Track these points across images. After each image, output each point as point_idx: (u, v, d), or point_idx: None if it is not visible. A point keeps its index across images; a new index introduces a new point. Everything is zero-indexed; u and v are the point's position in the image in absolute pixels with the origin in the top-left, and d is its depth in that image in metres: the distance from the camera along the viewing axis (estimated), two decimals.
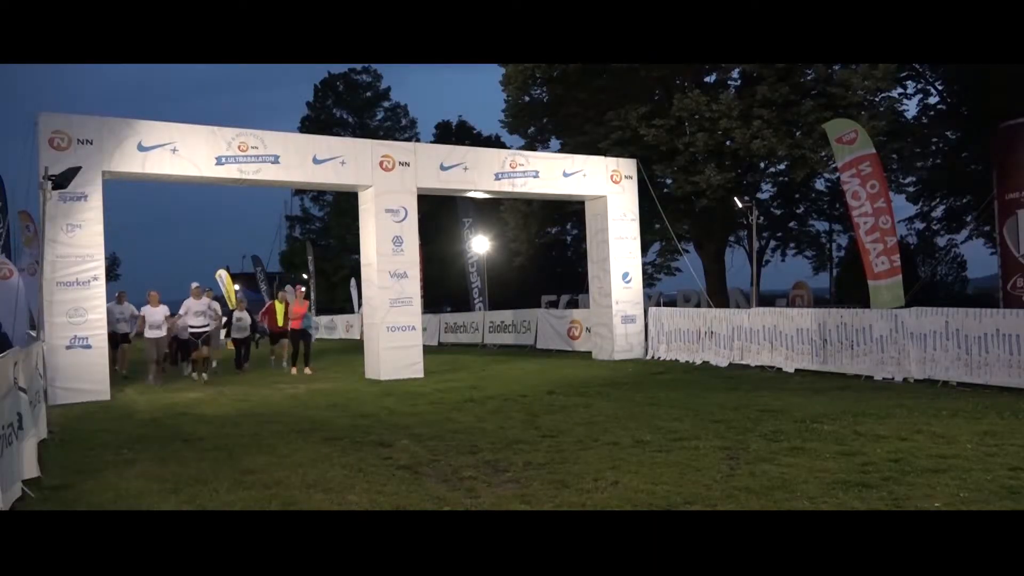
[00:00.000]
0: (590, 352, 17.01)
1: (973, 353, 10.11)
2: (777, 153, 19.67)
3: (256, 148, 12.87)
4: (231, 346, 17.21)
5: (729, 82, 21.48)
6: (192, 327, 13.79)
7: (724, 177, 19.71)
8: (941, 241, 26.35)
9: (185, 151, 12.37)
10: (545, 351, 19.56)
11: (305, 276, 35.47)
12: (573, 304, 23.94)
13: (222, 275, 30.81)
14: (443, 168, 14.55)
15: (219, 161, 12.59)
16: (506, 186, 15.23)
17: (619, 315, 16.09)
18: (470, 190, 15.60)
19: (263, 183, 13.66)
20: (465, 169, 14.74)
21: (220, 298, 23.05)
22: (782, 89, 19.01)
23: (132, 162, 12.07)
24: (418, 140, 42.61)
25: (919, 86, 22.79)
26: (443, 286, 34.19)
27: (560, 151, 22.18)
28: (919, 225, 26.19)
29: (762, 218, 23.85)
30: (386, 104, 47.79)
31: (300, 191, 44.15)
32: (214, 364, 14.73)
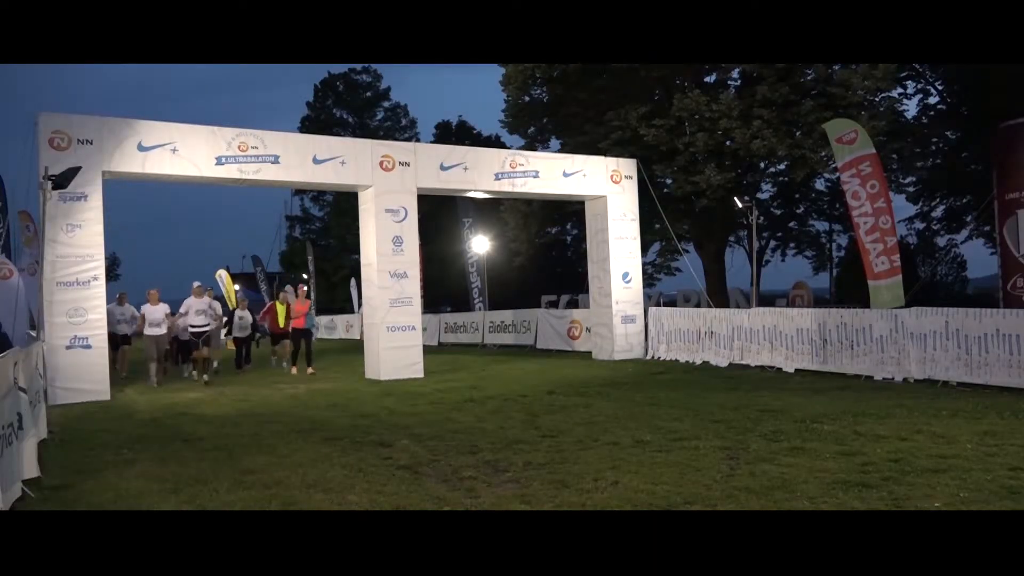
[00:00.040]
0: (590, 352, 17.01)
1: (973, 353, 10.11)
2: (777, 153, 19.67)
3: (256, 148, 12.87)
4: (231, 345, 17.20)
5: (729, 82, 21.48)
6: (193, 326, 13.77)
7: (724, 177, 19.71)
8: (941, 241, 26.38)
9: (185, 151, 12.37)
10: (545, 351, 19.56)
11: (305, 276, 35.47)
12: (573, 304, 23.94)
13: (222, 275, 30.81)
14: (443, 168, 14.55)
15: (219, 161, 12.59)
16: (506, 186, 15.23)
17: (619, 315, 16.09)
18: (470, 190, 15.60)
19: (263, 183, 13.66)
20: (465, 169, 14.74)
21: (220, 298, 23.04)
22: (782, 89, 19.01)
23: (132, 162, 12.07)
24: (418, 140, 42.62)
25: (919, 86, 22.81)
26: (443, 286, 34.19)
27: (560, 151, 22.18)
28: (919, 225, 26.23)
29: (762, 218, 23.85)
30: (386, 104, 47.82)
31: (300, 191, 44.16)
32: (215, 364, 14.72)
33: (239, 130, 12.86)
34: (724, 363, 13.97)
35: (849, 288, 25.40)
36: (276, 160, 13.04)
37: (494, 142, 38.14)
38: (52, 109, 17.77)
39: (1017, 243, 14.19)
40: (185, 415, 9.82)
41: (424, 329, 16.19)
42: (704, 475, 5.70)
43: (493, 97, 26.68)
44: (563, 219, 31.64)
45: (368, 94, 47.40)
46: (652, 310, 16.48)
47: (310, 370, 14.90)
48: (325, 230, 46.28)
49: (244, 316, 16.01)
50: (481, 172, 14.89)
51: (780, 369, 12.84)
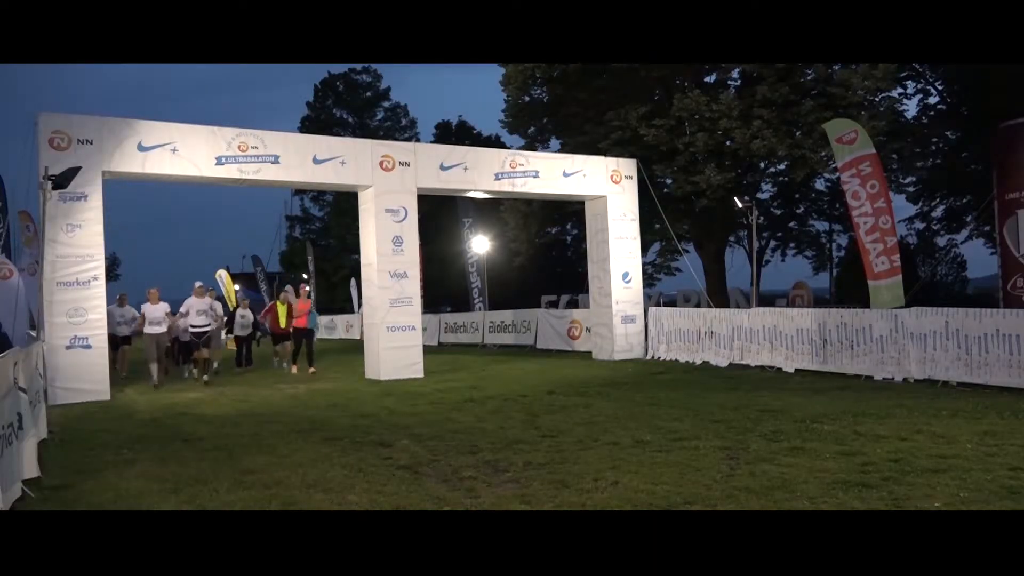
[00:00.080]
0: (590, 352, 17.01)
1: (973, 353, 10.11)
2: (777, 153, 19.67)
3: (256, 148, 12.87)
4: (231, 345, 17.18)
5: (729, 82, 21.49)
6: (193, 326, 13.75)
7: (724, 177, 19.71)
8: (941, 241, 26.38)
9: (185, 151, 12.37)
10: (545, 351, 19.56)
11: (305, 276, 35.47)
12: (573, 304, 23.94)
13: (222, 275, 30.81)
14: (443, 168, 14.55)
15: (219, 161, 12.59)
16: (506, 186, 15.23)
17: (619, 315, 16.09)
18: (470, 190, 15.60)
19: (263, 183, 13.65)
20: (465, 169, 14.74)
21: (220, 298, 23.04)
22: (782, 89, 19.01)
23: (132, 162, 12.07)
24: (418, 140, 42.62)
25: (919, 86, 22.81)
26: (443, 286, 34.19)
27: (560, 151, 22.18)
28: (919, 225, 26.23)
29: (762, 218, 23.86)
30: (386, 104, 47.81)
31: (300, 191, 44.16)
32: (215, 365, 14.72)
33: (239, 130, 12.86)
34: (724, 363, 13.97)
35: (849, 288, 25.40)
36: (276, 160, 13.04)
37: (494, 142, 38.15)
38: (52, 109, 17.77)
39: (1017, 243, 14.19)
40: (185, 415, 9.82)
41: (424, 329, 16.19)
42: (704, 475, 5.70)
43: (493, 97, 26.70)
44: (563, 219, 31.64)
45: (368, 94, 47.40)
46: (652, 310, 16.48)
47: (311, 370, 14.89)
48: (325, 230, 46.28)
49: (246, 315, 15.99)
50: (481, 172, 14.89)
51: (780, 369, 12.84)
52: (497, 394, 10.95)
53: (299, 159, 13.24)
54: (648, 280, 26.66)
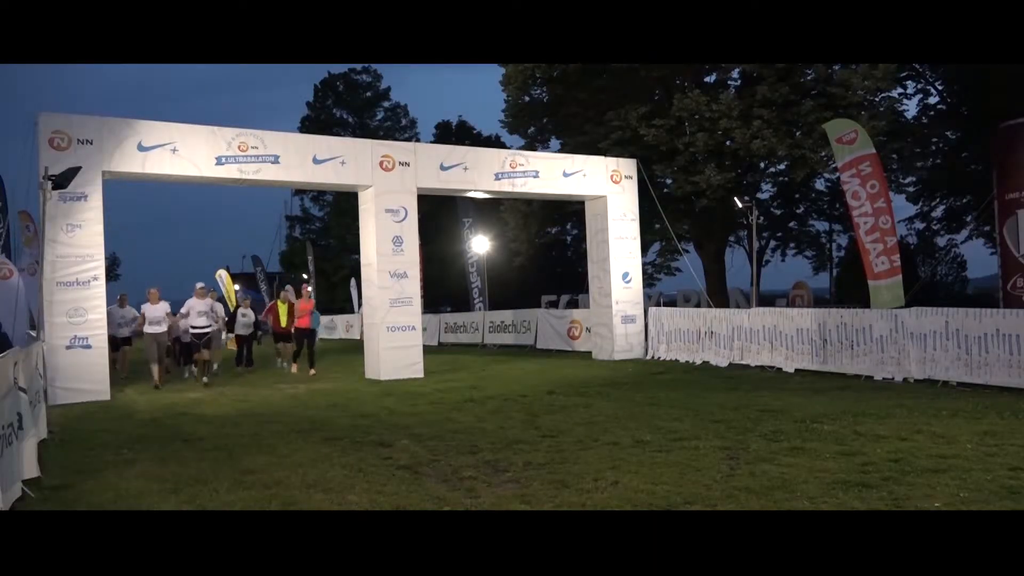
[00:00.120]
0: (590, 352, 17.01)
1: (973, 353, 10.11)
2: (777, 153, 19.67)
3: (256, 148, 12.88)
4: (231, 345, 17.16)
5: (729, 82, 21.48)
6: (194, 327, 13.73)
7: (724, 177, 19.71)
8: (941, 241, 26.38)
9: (185, 151, 12.37)
10: (545, 351, 19.56)
11: (305, 276, 35.47)
12: (573, 304, 23.94)
13: (222, 275, 30.78)
14: (443, 168, 14.55)
15: (219, 161, 12.59)
16: (506, 186, 15.23)
17: (619, 315, 16.09)
18: (470, 190, 15.60)
19: (263, 183, 13.66)
20: (465, 169, 14.74)
21: (221, 299, 23.03)
22: (782, 89, 19.01)
23: (132, 162, 12.07)
24: (418, 140, 42.62)
25: (919, 86, 22.81)
26: (443, 286, 34.19)
27: (560, 151, 22.18)
28: (919, 225, 26.23)
29: (762, 218, 23.85)
30: (386, 104, 47.80)
31: (300, 191, 44.16)
32: (215, 367, 14.71)
33: (239, 130, 12.86)
34: (724, 363, 13.97)
35: (849, 288, 25.40)
36: (276, 160, 13.04)
37: (494, 142, 38.14)
38: (52, 109, 17.77)
39: (1017, 243, 14.19)
40: (185, 415, 9.82)
41: (424, 329, 16.19)
42: (704, 475, 5.70)
43: (493, 97, 26.70)
44: (563, 219, 31.64)
45: (368, 94, 47.40)
46: (652, 310, 16.49)
47: (311, 372, 14.87)
48: (325, 230, 46.28)
49: (247, 314, 15.96)
50: (481, 172, 14.89)
51: (780, 369, 12.84)
52: (497, 394, 10.95)
53: (299, 159, 13.24)
54: (648, 280, 26.68)
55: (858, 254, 14.69)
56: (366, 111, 47.18)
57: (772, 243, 28.65)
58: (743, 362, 13.65)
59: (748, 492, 5.17)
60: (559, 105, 22.80)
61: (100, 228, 11.88)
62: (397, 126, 46.98)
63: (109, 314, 12.53)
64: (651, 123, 19.96)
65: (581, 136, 21.72)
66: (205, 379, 13.55)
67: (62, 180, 9.89)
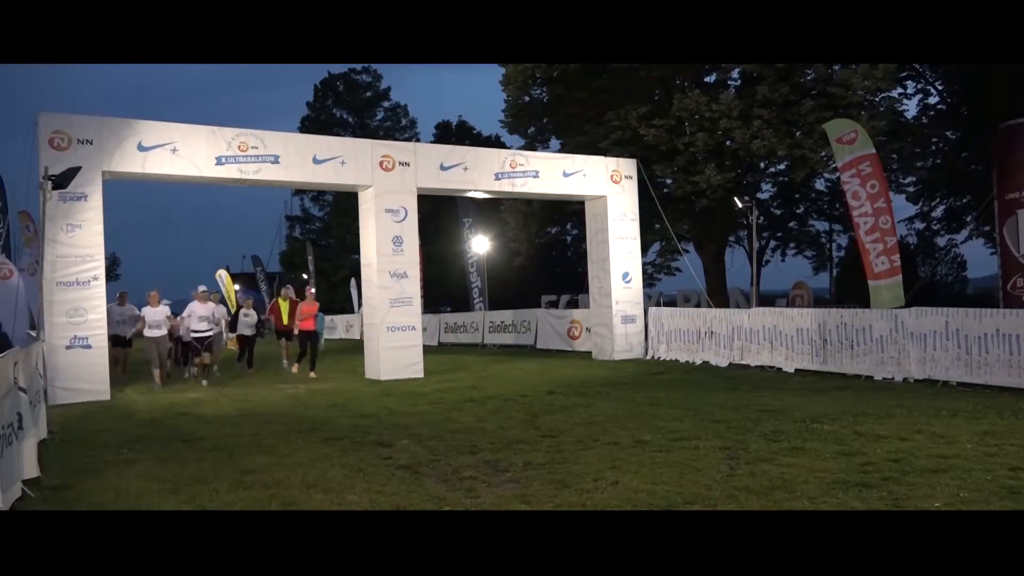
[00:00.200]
0: (590, 352, 17.01)
1: (973, 353, 10.11)
2: (777, 153, 19.67)
3: (256, 148, 12.88)
4: (232, 345, 17.14)
5: (729, 82, 21.49)
6: (195, 331, 13.70)
7: (724, 177, 19.72)
8: (941, 241, 26.39)
9: (185, 151, 12.37)
10: (545, 351, 19.56)
11: (305, 276, 35.47)
12: (573, 304, 23.95)
13: (222, 275, 30.80)
14: (443, 168, 14.55)
15: (219, 161, 12.59)
16: (506, 186, 15.23)
17: (619, 315, 16.09)
18: (470, 190, 15.60)
19: (263, 183, 13.66)
20: (465, 169, 14.74)
21: (221, 299, 23.00)
22: (782, 89, 19.02)
23: (132, 162, 12.07)
24: (418, 140, 42.63)
25: (919, 86, 22.82)
26: (443, 286, 34.20)
27: (560, 151, 22.18)
28: (919, 225, 26.24)
29: (762, 218, 23.86)
30: (386, 104, 47.84)
31: (300, 191, 44.18)
32: (215, 369, 14.70)
33: (239, 130, 12.86)
34: (724, 363, 13.97)
35: (849, 288, 25.41)
36: (276, 160, 13.04)
37: (494, 142, 38.15)
38: (52, 109, 17.77)
39: (1017, 243, 14.19)
40: (185, 415, 9.82)
41: (424, 329, 16.19)
42: (704, 475, 5.70)
43: (493, 97, 26.70)
44: (563, 219, 31.64)
45: (368, 94, 47.42)
46: (652, 310, 16.49)
47: (312, 374, 14.83)
48: (325, 230, 46.30)
49: (250, 314, 15.94)
50: (481, 172, 14.89)
51: (780, 369, 12.84)
52: (497, 394, 10.95)
53: (299, 159, 13.24)
54: (648, 280, 26.68)
55: (858, 254, 14.69)
56: (366, 111, 47.21)
57: (772, 243, 28.65)
58: (743, 362, 13.65)
59: (748, 492, 5.17)
60: (559, 105, 22.81)
61: (100, 228, 11.88)
62: (397, 126, 47.01)
63: (108, 312, 12.51)
64: (651, 123, 19.96)
65: (581, 136, 21.73)
66: (205, 382, 13.53)
67: (62, 180, 9.89)
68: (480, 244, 26.64)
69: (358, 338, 23.81)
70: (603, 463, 6.19)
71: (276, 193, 73.67)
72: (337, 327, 32.91)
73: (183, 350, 15.29)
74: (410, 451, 6.98)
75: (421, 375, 13.82)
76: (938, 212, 25.09)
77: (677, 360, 14.99)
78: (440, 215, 32.35)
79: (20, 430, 5.62)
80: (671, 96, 20.26)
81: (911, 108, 42.97)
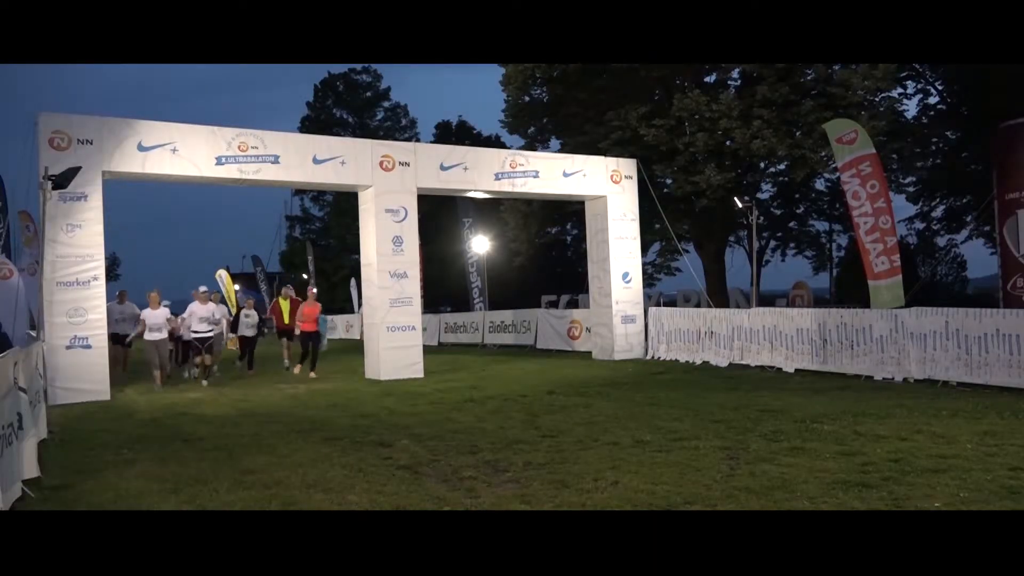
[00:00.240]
0: (590, 352, 17.01)
1: (973, 353, 10.11)
2: (777, 153, 19.67)
3: (256, 148, 12.88)
4: (231, 345, 17.12)
5: (729, 82, 21.49)
6: (195, 332, 13.68)
7: (724, 177, 19.72)
8: (941, 241, 26.39)
9: (185, 151, 12.37)
10: (545, 351, 19.56)
11: (305, 276, 35.47)
12: (573, 304, 23.94)
13: (222, 275, 30.84)
14: (443, 168, 14.55)
15: (219, 161, 12.59)
16: (506, 186, 15.23)
17: (619, 315, 16.09)
18: (470, 190, 15.60)
19: (263, 183, 13.65)
20: (465, 169, 14.74)
21: (222, 299, 22.99)
22: (782, 89, 19.02)
23: (132, 162, 12.07)
24: (418, 140, 42.63)
25: (919, 86, 22.81)
26: (443, 286, 34.19)
27: (560, 151, 22.18)
28: (919, 225, 26.24)
29: (762, 218, 23.86)
30: (386, 104, 47.85)
31: (300, 191, 44.17)
32: (215, 369, 14.69)
33: (239, 130, 12.86)
34: (724, 363, 13.97)
35: (849, 288, 25.41)
36: (276, 160, 13.04)
37: (494, 142, 38.15)
38: (52, 109, 17.78)
39: (1017, 243, 14.19)
40: (185, 415, 9.82)
41: (424, 329, 16.18)
42: (704, 475, 5.70)
43: (493, 97, 26.69)
44: (563, 219, 31.64)
45: (368, 94, 47.42)
46: (652, 310, 16.49)
47: (312, 374, 14.83)
48: (325, 230, 46.30)
49: (251, 315, 15.93)
50: (481, 172, 14.89)
51: (780, 369, 12.84)
52: (497, 394, 10.95)
53: (299, 159, 13.24)
54: (648, 280, 26.68)
55: (858, 254, 14.69)
56: (366, 111, 47.21)
57: (772, 243, 28.65)
58: (743, 362, 13.65)
59: (748, 492, 5.17)
60: (559, 105, 22.81)
61: (100, 228, 11.88)
62: (397, 126, 47.01)
63: (108, 311, 12.47)
64: (651, 123, 19.96)
65: (581, 136, 21.72)
66: (204, 383, 13.52)
67: (62, 180, 9.89)
68: (480, 244, 26.64)
69: (358, 338, 23.81)
70: (603, 463, 6.19)
71: (276, 193, 73.74)
72: (337, 327, 32.90)
73: (183, 350, 15.28)
74: (410, 451, 6.98)
75: (421, 375, 13.82)
76: (938, 212, 25.10)
77: (677, 360, 14.99)
78: (440, 215, 32.35)
79: (20, 430, 5.62)
80: (671, 96, 20.26)
81: (911, 108, 43.04)
